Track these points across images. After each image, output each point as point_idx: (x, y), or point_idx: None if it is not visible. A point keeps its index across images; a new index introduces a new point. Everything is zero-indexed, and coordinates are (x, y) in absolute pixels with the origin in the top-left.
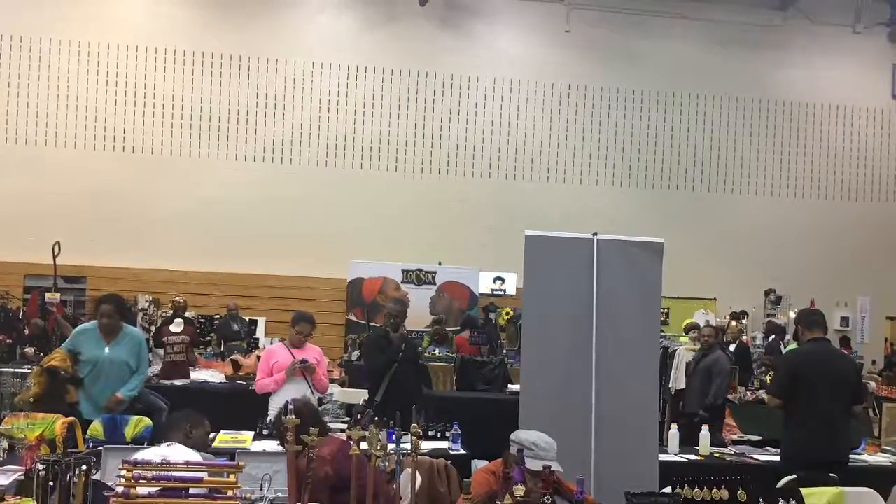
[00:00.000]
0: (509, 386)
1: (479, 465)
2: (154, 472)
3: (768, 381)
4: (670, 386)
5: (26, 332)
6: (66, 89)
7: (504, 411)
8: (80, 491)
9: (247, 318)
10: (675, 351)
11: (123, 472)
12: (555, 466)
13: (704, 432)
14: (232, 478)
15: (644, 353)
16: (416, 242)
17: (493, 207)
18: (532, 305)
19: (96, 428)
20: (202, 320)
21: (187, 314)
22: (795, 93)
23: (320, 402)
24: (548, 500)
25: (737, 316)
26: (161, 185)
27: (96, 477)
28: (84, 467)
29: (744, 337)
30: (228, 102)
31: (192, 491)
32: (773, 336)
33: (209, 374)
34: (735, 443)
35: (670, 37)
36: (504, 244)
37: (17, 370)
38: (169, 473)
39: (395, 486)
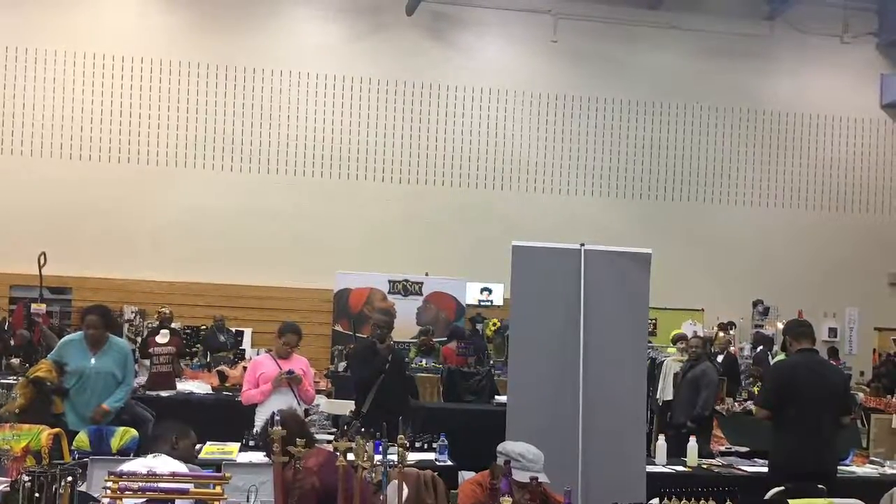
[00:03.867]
0: (496, 397)
1: (466, 476)
2: (140, 484)
3: (756, 392)
4: (658, 397)
5: (12, 342)
6: (51, 99)
7: (491, 422)
8: (65, 502)
9: (233, 329)
10: (662, 362)
11: (109, 484)
12: (542, 478)
13: (692, 443)
14: (218, 489)
15: (631, 364)
16: (403, 253)
17: (481, 218)
18: (519, 316)
19: (82, 439)
20: (188, 331)
21: (173, 325)
22: (784, 103)
23: (307, 413)
24: None
25: (724, 327)
26: (147, 196)
27: (82, 488)
28: (70, 478)
29: (731, 348)
30: (214, 112)
31: (178, 502)
32: (761, 347)
33: (195, 385)
34: (723, 454)
35: (658, 47)
36: (491, 255)
37: (2, 381)
38: (155, 485)
39: (381, 498)
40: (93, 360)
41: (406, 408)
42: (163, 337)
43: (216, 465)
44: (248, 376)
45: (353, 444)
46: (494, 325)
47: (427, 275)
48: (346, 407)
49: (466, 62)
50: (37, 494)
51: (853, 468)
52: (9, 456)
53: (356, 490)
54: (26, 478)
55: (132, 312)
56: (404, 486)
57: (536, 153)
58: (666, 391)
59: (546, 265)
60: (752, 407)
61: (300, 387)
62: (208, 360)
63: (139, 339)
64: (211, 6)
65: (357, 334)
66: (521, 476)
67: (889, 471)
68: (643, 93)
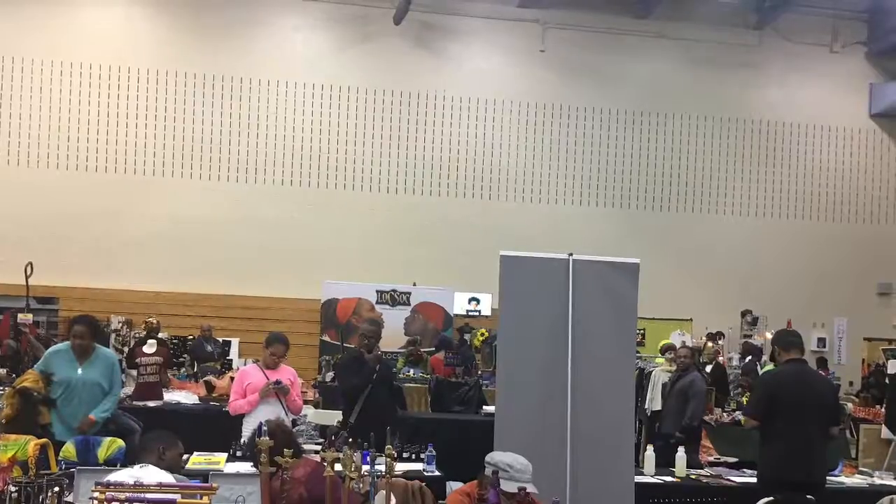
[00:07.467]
0: (484, 407)
1: (453, 486)
2: (127, 494)
3: (745, 403)
4: (646, 407)
5: None
6: (37, 109)
7: (479, 433)
8: None
9: (220, 339)
10: (650, 372)
11: (96, 494)
12: (530, 488)
13: (681, 454)
14: (205, 500)
15: (620, 374)
16: (391, 263)
17: (468, 227)
18: (507, 326)
19: (69, 449)
20: (175, 341)
21: (160, 335)
22: (773, 113)
23: (294, 423)
24: None
25: (713, 337)
26: (134, 206)
27: (69, 499)
28: (56, 489)
29: (720, 358)
30: (202, 122)
31: None
32: (750, 357)
33: (182, 396)
34: (711, 464)
35: (646, 56)
36: (479, 264)
37: None
38: (142, 495)
39: None
40: (79, 371)
41: (394, 418)
42: (150, 347)
43: (203, 476)
44: (236, 386)
45: (341, 455)
46: (482, 335)
47: (415, 284)
48: (333, 417)
49: (454, 72)
50: None
51: (842, 479)
52: None
53: (344, 500)
54: (13, 488)
55: (119, 322)
56: (392, 497)
57: (524, 163)
58: (654, 401)
59: (534, 275)
60: (741, 417)
61: (288, 397)
62: (195, 370)
63: (126, 349)
64: (197, 16)
65: (345, 344)
66: (509, 486)
67: (878, 481)
68: (631, 102)
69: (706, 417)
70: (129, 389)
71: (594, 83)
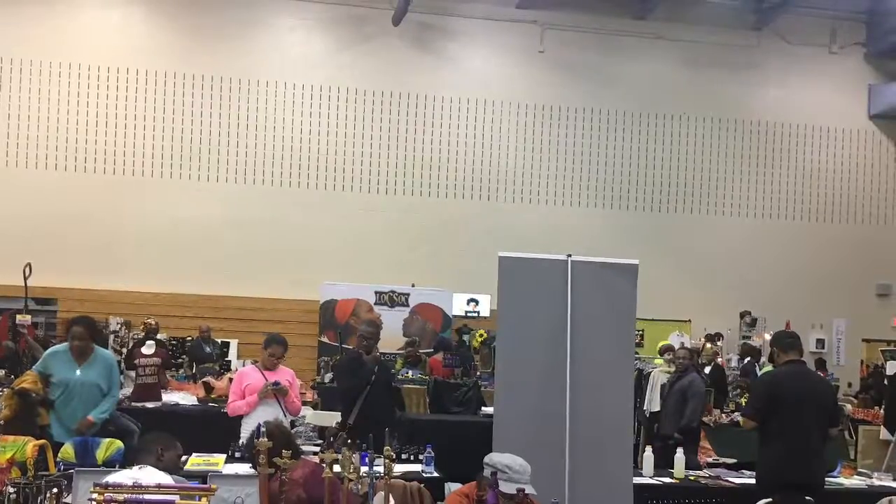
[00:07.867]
0: (483, 408)
1: (452, 487)
2: (126, 495)
3: (743, 404)
4: (645, 408)
5: None
6: (36, 110)
7: (477, 434)
8: None
9: (219, 340)
10: (649, 373)
11: (95, 496)
12: (529, 489)
13: (679, 455)
14: (204, 501)
15: (618, 375)
16: (389, 264)
17: (467, 228)
18: (506, 327)
19: (67, 451)
20: (174, 342)
21: (159, 336)
22: (771, 113)
23: (293, 424)
24: None
25: (712, 338)
26: (133, 207)
27: (67, 500)
28: (55, 490)
29: (719, 359)
30: (200, 123)
31: None
32: (749, 358)
33: (181, 397)
34: (710, 465)
35: (645, 57)
36: (478, 265)
37: None
38: (140, 496)
39: None
40: (78, 372)
41: (392, 419)
42: (148, 348)
43: (202, 477)
44: (234, 388)
45: (340, 456)
46: (481, 336)
47: (413, 286)
48: (332, 418)
49: (452, 73)
50: None
51: (841, 480)
52: None
53: (343, 502)
54: (11, 489)
55: (118, 323)
56: (391, 498)
57: (523, 163)
58: (653, 402)
59: (533, 276)
60: (740, 418)
61: (286, 398)
62: (194, 371)
63: (124, 351)
64: (195, 16)
65: (343, 345)
66: (507, 488)
67: (877, 482)
68: (630, 103)
69: (705, 418)
70: (127, 391)
71: (593, 84)
